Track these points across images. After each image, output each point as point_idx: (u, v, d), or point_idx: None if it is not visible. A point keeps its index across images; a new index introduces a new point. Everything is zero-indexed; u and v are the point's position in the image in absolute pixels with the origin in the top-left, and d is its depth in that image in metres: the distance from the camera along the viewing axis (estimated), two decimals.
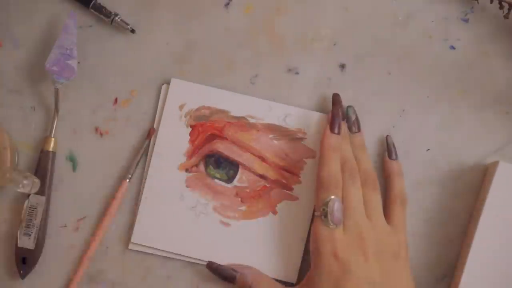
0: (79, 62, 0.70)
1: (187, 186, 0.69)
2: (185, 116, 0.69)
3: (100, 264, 0.69)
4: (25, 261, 0.68)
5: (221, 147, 0.69)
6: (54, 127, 0.69)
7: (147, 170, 0.69)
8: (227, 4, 0.71)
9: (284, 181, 0.69)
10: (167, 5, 0.71)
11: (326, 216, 0.62)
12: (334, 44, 0.70)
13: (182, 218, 0.68)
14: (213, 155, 0.69)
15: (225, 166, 0.69)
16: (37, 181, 0.67)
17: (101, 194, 0.69)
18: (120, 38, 0.71)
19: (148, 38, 0.70)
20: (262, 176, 0.69)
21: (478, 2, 0.70)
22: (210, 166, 0.69)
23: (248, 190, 0.69)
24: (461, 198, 0.69)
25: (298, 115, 0.69)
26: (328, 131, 0.66)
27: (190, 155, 0.69)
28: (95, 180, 0.69)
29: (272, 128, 0.69)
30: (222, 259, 0.68)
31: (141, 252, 0.69)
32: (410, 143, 0.69)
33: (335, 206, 0.62)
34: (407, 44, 0.70)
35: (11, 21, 0.71)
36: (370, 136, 0.69)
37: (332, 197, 0.63)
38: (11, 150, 0.68)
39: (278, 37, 0.70)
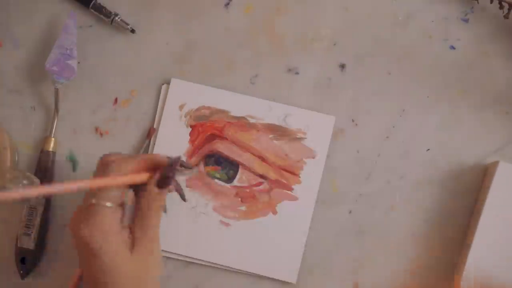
0: (79, 62, 0.70)
1: (187, 186, 0.69)
2: (185, 116, 0.69)
3: None
4: (25, 261, 0.68)
5: (221, 147, 0.69)
6: (54, 127, 0.69)
7: None
8: (227, 4, 0.71)
9: (284, 181, 0.69)
10: (167, 5, 0.71)
11: None
12: (334, 44, 0.70)
13: (182, 218, 0.68)
14: (213, 155, 0.69)
15: (225, 166, 0.69)
16: (37, 181, 0.67)
17: None
18: (120, 38, 0.71)
19: (148, 38, 0.70)
20: (262, 176, 0.69)
21: (478, 2, 0.70)
22: (210, 166, 0.69)
23: (248, 190, 0.69)
24: (461, 198, 0.69)
25: (298, 115, 0.69)
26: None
27: (190, 155, 0.69)
28: None
29: (272, 128, 0.69)
30: (222, 259, 0.68)
31: None
32: (410, 143, 0.69)
33: None
34: (407, 44, 0.70)
35: (11, 21, 0.71)
36: (370, 136, 0.69)
37: None
38: (11, 150, 0.68)
39: (278, 37, 0.70)
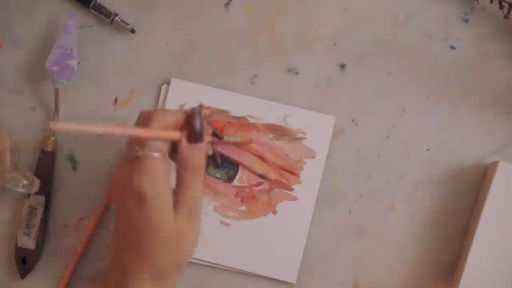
0: (79, 62, 0.70)
1: None
2: None
3: (100, 264, 0.69)
4: (25, 261, 0.68)
5: (221, 147, 0.69)
6: None
7: None
8: (227, 4, 0.71)
9: (284, 181, 0.69)
10: (167, 5, 0.71)
11: None
12: (334, 44, 0.70)
13: None
14: (213, 155, 0.69)
15: (225, 166, 0.69)
16: (37, 181, 0.67)
17: (101, 194, 0.69)
18: (120, 38, 0.71)
19: (148, 38, 0.70)
20: (262, 176, 0.69)
21: (478, 2, 0.70)
22: (210, 166, 0.69)
23: (248, 190, 0.69)
24: (461, 198, 0.69)
25: (298, 115, 0.69)
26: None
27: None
28: (95, 180, 0.69)
29: (272, 128, 0.69)
30: (222, 259, 0.68)
31: None
32: (410, 143, 0.69)
33: None
34: (407, 44, 0.70)
35: (11, 21, 0.71)
36: (370, 136, 0.69)
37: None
38: (11, 150, 0.68)
39: (278, 37, 0.70)
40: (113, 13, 0.70)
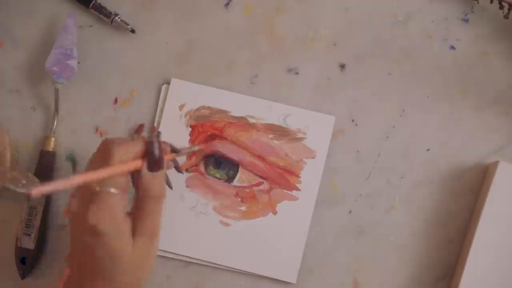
0: (79, 62, 0.70)
1: (187, 186, 0.69)
2: (185, 116, 0.69)
3: None
4: (25, 261, 0.68)
5: (221, 147, 0.69)
6: (54, 127, 0.69)
7: None
8: (227, 4, 0.71)
9: (284, 181, 0.69)
10: (167, 5, 0.71)
11: None
12: (334, 44, 0.70)
13: (182, 218, 0.68)
14: (213, 155, 0.69)
15: (225, 166, 0.69)
16: (37, 181, 0.67)
17: None
18: (120, 38, 0.71)
19: (148, 38, 0.70)
20: (262, 176, 0.69)
21: (478, 2, 0.70)
22: (210, 166, 0.69)
23: (248, 190, 0.69)
24: (461, 198, 0.69)
25: (298, 115, 0.69)
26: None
27: (190, 155, 0.69)
28: None
29: (272, 128, 0.69)
30: (222, 259, 0.68)
31: None
32: (410, 143, 0.69)
33: None
34: (407, 44, 0.70)
35: (11, 21, 0.71)
36: (370, 136, 0.69)
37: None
38: (11, 150, 0.68)
39: (278, 37, 0.70)
40: (113, 13, 0.70)
